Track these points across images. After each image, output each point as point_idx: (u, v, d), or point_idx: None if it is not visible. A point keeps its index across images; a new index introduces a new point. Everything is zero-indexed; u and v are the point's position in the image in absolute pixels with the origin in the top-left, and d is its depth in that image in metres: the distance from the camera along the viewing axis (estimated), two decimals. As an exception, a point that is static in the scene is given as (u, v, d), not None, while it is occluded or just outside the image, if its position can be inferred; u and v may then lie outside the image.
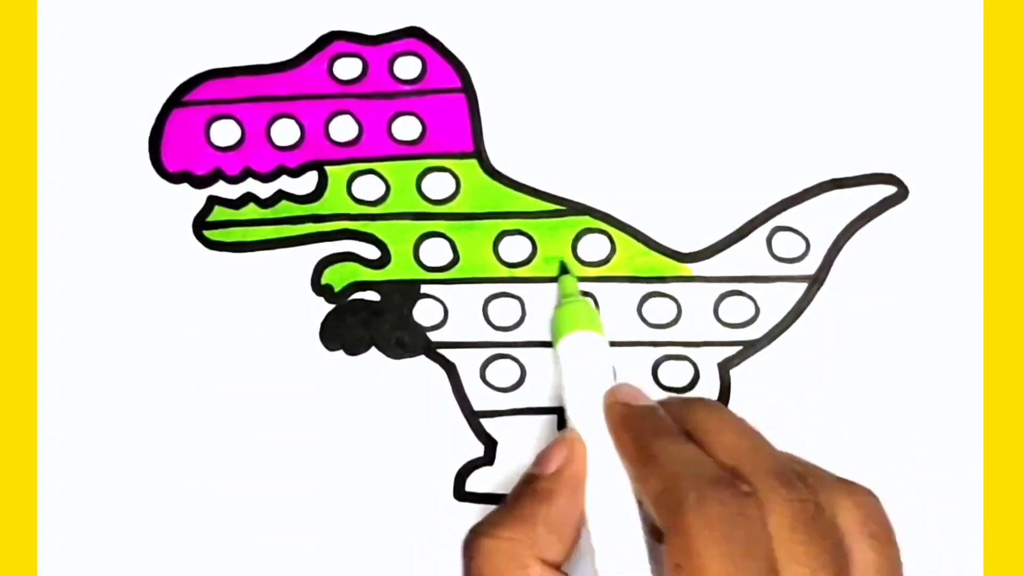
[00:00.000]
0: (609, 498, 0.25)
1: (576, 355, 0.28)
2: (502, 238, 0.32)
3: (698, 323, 0.31)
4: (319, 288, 0.32)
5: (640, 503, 0.25)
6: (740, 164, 0.32)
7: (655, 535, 0.25)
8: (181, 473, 0.31)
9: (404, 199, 0.32)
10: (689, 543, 0.22)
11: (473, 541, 0.24)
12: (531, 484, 0.26)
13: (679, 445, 0.25)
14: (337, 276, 0.32)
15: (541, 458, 0.26)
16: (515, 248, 0.32)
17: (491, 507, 0.30)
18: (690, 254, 0.31)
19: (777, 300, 0.31)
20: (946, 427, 0.30)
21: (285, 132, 0.32)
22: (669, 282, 0.31)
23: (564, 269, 0.31)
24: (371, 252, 0.32)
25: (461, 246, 0.32)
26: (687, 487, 0.22)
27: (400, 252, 0.32)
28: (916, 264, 0.31)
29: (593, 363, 0.28)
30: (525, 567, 0.24)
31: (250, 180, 0.32)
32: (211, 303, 0.32)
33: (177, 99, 0.33)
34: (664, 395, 0.31)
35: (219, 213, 0.32)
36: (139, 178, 0.32)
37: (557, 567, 0.24)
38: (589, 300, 0.30)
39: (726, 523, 0.22)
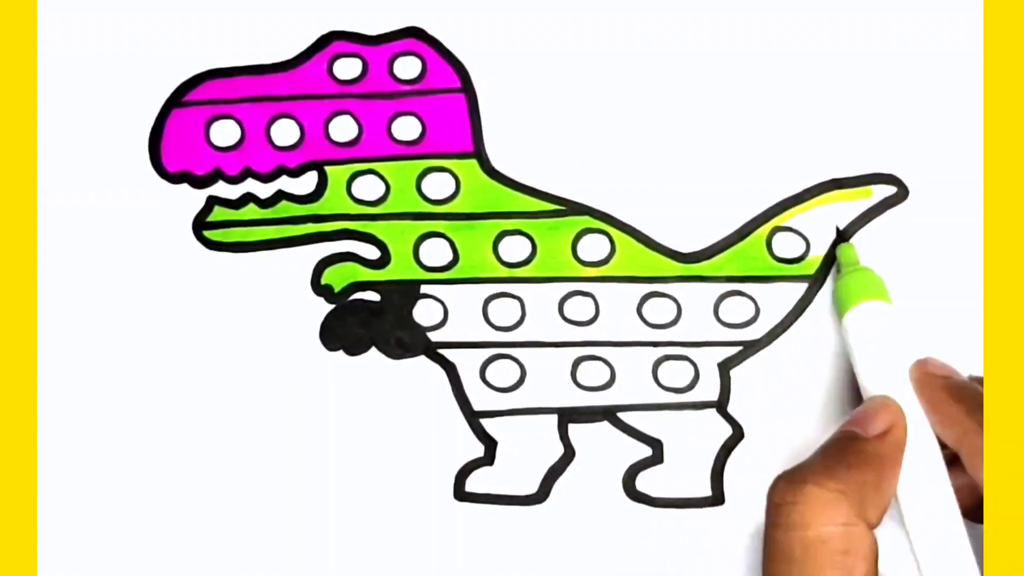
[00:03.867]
0: (922, 469, 0.25)
1: (868, 326, 0.27)
2: (502, 238, 0.32)
3: (698, 323, 0.31)
4: (319, 288, 0.32)
5: (953, 475, 0.25)
6: (740, 164, 0.32)
7: (967, 507, 0.25)
8: (181, 473, 0.31)
9: (404, 199, 0.32)
10: None
11: (796, 487, 0.24)
12: (856, 444, 0.25)
13: None
14: (337, 276, 0.32)
15: (863, 419, 0.26)
16: (515, 248, 0.32)
17: (492, 507, 0.30)
18: (690, 254, 0.31)
19: (777, 300, 0.31)
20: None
21: (285, 132, 0.32)
22: (669, 282, 0.31)
23: (842, 236, 0.30)
24: (371, 252, 0.32)
25: (461, 246, 0.32)
26: None
27: (400, 252, 0.32)
28: (916, 264, 0.31)
29: (887, 333, 0.27)
30: (851, 524, 0.23)
31: (250, 180, 0.32)
32: (211, 303, 0.32)
33: (177, 99, 0.33)
34: (665, 395, 0.31)
35: (219, 213, 0.32)
36: (139, 178, 0.32)
37: (872, 530, 0.24)
38: (871, 268, 0.29)
39: None
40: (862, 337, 0.27)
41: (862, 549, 0.23)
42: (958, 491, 0.25)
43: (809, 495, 0.24)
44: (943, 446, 0.26)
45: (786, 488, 0.24)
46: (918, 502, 0.25)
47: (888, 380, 0.27)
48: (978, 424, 0.25)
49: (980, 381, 0.27)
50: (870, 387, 0.27)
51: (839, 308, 0.29)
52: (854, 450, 0.25)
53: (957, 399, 0.25)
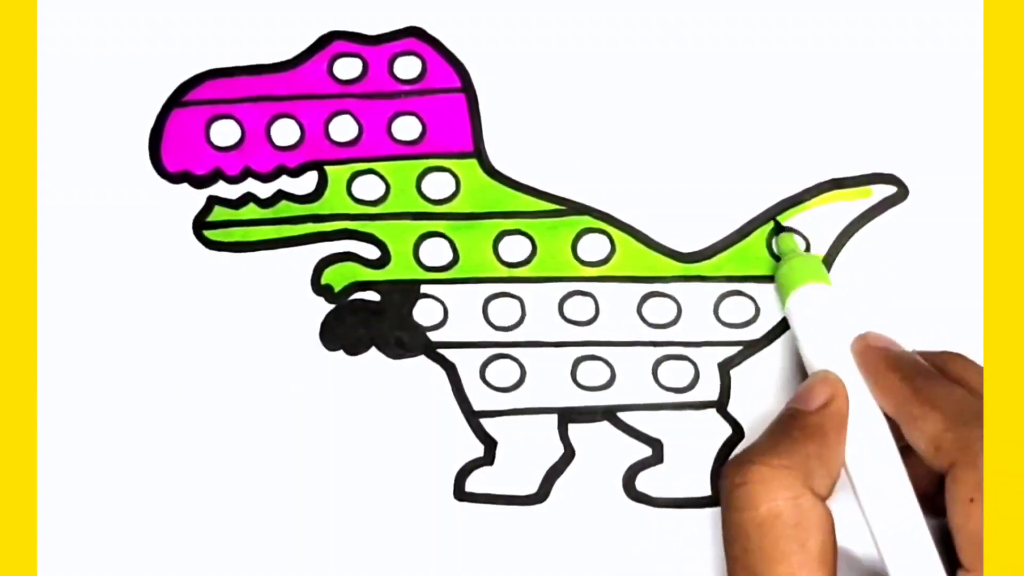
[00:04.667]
0: (868, 439, 0.26)
1: (810, 306, 0.28)
2: (502, 238, 0.32)
3: (698, 323, 0.31)
4: (319, 288, 0.32)
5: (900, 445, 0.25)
6: (740, 164, 0.32)
7: (915, 475, 0.25)
8: (181, 473, 0.31)
9: (404, 199, 0.32)
10: (983, 478, 0.22)
11: (744, 467, 0.24)
12: (798, 419, 0.26)
13: (951, 387, 0.25)
14: (337, 276, 0.32)
15: (804, 394, 0.26)
16: (515, 248, 0.32)
17: (492, 507, 0.30)
18: (690, 254, 0.31)
19: (777, 300, 0.31)
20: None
21: (285, 132, 0.32)
22: (669, 282, 0.31)
23: (780, 228, 0.31)
24: (371, 252, 0.32)
25: (461, 246, 0.32)
26: (974, 424, 0.23)
27: (400, 252, 0.32)
28: (916, 264, 0.31)
29: (827, 312, 0.28)
30: (798, 497, 0.24)
31: (250, 180, 0.32)
32: (211, 303, 0.32)
33: (177, 99, 0.33)
34: (665, 395, 0.31)
35: (219, 213, 0.32)
36: (139, 178, 0.32)
37: (822, 500, 0.24)
38: (811, 254, 0.30)
39: None
40: (805, 317, 0.28)
41: (813, 520, 0.24)
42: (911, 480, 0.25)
43: (756, 474, 0.24)
44: (893, 430, 0.26)
45: (735, 471, 0.25)
46: (866, 472, 0.25)
47: (831, 356, 0.27)
48: (913, 391, 0.25)
49: (923, 355, 0.27)
50: (815, 364, 0.28)
51: (782, 293, 0.29)
52: (796, 425, 0.26)
53: (893, 368, 0.26)
